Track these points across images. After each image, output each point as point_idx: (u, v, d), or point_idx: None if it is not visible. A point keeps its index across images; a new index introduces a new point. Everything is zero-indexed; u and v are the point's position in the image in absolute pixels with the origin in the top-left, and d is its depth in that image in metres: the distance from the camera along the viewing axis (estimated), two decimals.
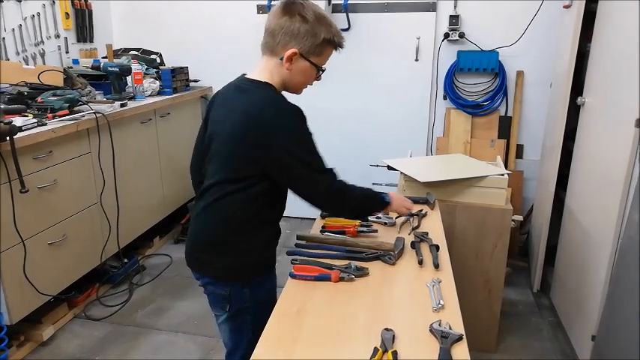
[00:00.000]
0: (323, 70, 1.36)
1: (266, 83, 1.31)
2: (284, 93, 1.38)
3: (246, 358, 1.43)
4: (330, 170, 1.33)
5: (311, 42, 1.27)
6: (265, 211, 1.36)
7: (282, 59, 1.28)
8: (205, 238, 1.39)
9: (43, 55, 3.06)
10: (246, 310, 1.40)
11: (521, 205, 3.24)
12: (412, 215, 1.66)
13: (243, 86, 1.34)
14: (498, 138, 3.21)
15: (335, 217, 1.66)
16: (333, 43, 1.32)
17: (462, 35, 3.11)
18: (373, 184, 2.45)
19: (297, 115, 1.28)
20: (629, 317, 1.58)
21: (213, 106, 1.41)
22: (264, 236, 1.39)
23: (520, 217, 2.98)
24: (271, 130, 1.24)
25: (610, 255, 1.86)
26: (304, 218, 3.43)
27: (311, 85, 1.39)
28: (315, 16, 1.28)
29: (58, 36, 3.17)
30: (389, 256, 1.41)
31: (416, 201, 1.86)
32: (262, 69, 1.33)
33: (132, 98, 2.90)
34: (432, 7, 3.14)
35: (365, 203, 1.47)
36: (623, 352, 1.62)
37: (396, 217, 1.67)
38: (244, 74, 1.38)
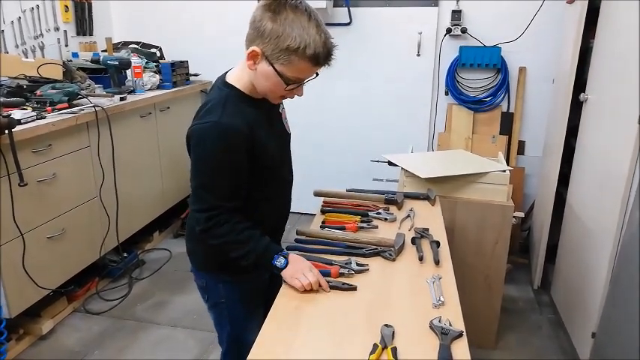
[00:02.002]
0: (299, 83, 1.18)
1: (226, 84, 1.24)
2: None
3: (228, 350, 1.47)
4: (218, 206, 1.20)
5: (274, 45, 1.10)
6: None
7: None
8: (189, 229, 1.42)
9: (42, 48, 3.04)
10: (222, 305, 1.42)
11: (523, 201, 3.23)
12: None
13: (212, 85, 1.32)
14: (500, 134, 3.20)
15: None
16: (303, 54, 1.09)
17: (464, 30, 3.08)
18: (374, 179, 2.44)
19: (220, 132, 1.15)
20: (630, 314, 1.58)
21: None
22: None
23: (521, 214, 2.98)
24: (191, 130, 1.20)
25: (611, 252, 1.85)
26: (303, 213, 3.43)
27: (291, 98, 1.23)
28: (289, 16, 1.08)
29: (57, 29, 3.15)
30: (389, 252, 1.40)
31: (416, 197, 1.85)
32: (239, 65, 1.24)
33: (131, 92, 2.89)
34: (434, 2, 3.12)
35: (239, 258, 1.25)
36: (623, 349, 1.62)
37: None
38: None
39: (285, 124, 1.43)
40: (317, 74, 1.20)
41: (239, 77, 1.24)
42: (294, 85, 1.18)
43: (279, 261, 1.25)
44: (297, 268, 1.23)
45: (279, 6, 1.09)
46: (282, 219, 1.50)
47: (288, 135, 1.45)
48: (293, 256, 1.27)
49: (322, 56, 1.12)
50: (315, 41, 1.09)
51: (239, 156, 1.20)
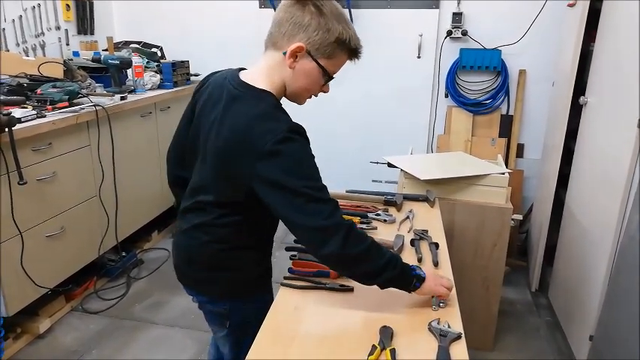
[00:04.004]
0: (331, 78, 1.16)
1: (263, 91, 1.11)
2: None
3: None
4: (335, 202, 1.06)
5: (322, 38, 1.08)
6: (264, 228, 1.26)
7: (285, 54, 1.09)
8: (200, 257, 1.28)
9: (43, 46, 3.04)
10: (247, 325, 1.26)
11: (521, 204, 3.23)
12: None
13: (235, 93, 1.13)
14: (499, 137, 3.20)
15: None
16: (349, 47, 1.11)
17: (464, 33, 3.09)
18: (373, 181, 2.44)
19: (297, 134, 1.05)
20: (629, 317, 1.58)
21: (202, 97, 1.24)
22: (263, 248, 1.31)
23: (520, 217, 2.97)
24: (263, 154, 1.02)
25: (610, 255, 1.86)
26: None
27: (316, 96, 1.20)
28: (332, 10, 1.09)
29: (58, 28, 3.15)
30: None
31: (415, 198, 1.85)
32: (262, 67, 1.15)
33: (132, 91, 2.89)
34: (434, 4, 3.12)
35: (386, 265, 1.09)
36: (621, 352, 1.62)
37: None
38: (240, 69, 1.21)
39: None
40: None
41: (269, 81, 1.14)
42: (326, 81, 1.17)
43: (419, 271, 1.14)
44: (436, 280, 1.17)
45: (318, 1, 1.08)
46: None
47: None
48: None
49: (360, 50, 1.15)
50: (355, 35, 1.13)
51: None
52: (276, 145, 1.02)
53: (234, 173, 1.10)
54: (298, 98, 1.20)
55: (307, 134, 1.10)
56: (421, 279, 1.13)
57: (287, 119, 1.10)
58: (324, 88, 1.19)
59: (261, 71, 1.15)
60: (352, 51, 1.14)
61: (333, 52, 1.11)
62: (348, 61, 1.18)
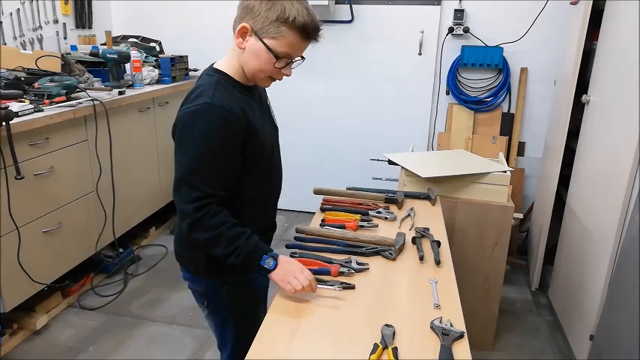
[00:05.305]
0: (290, 61, 1.17)
1: (216, 70, 1.22)
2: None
3: (235, 351, 1.40)
4: (209, 194, 1.13)
5: (264, 17, 1.11)
6: (235, 205, 1.22)
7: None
8: (181, 234, 1.35)
9: (40, 40, 3.02)
10: (226, 309, 1.35)
11: (522, 202, 3.22)
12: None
13: (201, 75, 1.26)
14: (500, 135, 3.19)
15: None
16: (293, 24, 1.10)
17: (466, 30, 3.07)
18: (374, 178, 2.42)
19: (214, 113, 1.11)
20: (629, 317, 1.57)
21: None
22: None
23: (520, 215, 2.96)
24: (179, 114, 1.17)
25: (611, 254, 1.85)
26: (303, 212, 3.42)
27: (279, 79, 1.22)
28: None
29: (56, 21, 3.12)
30: (390, 251, 1.38)
31: (417, 196, 1.84)
32: (227, 53, 1.24)
33: (130, 86, 2.87)
34: (436, 1, 3.10)
35: (230, 246, 1.15)
36: (622, 352, 1.61)
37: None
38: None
39: (272, 117, 1.39)
40: (303, 58, 1.21)
41: (228, 63, 1.22)
42: (283, 63, 1.17)
43: (268, 262, 1.16)
44: (288, 271, 1.16)
45: None
46: (271, 216, 1.43)
47: (277, 129, 1.41)
48: (283, 258, 1.20)
49: (311, 28, 1.13)
50: (302, 13, 1.11)
51: (233, 139, 1.16)
52: (185, 113, 1.15)
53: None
54: (256, 80, 1.23)
55: (229, 115, 1.13)
56: (267, 271, 1.17)
57: (214, 95, 1.13)
58: (284, 70, 1.19)
59: (226, 56, 1.24)
60: (302, 29, 1.12)
61: (278, 31, 1.12)
62: (308, 44, 1.17)
